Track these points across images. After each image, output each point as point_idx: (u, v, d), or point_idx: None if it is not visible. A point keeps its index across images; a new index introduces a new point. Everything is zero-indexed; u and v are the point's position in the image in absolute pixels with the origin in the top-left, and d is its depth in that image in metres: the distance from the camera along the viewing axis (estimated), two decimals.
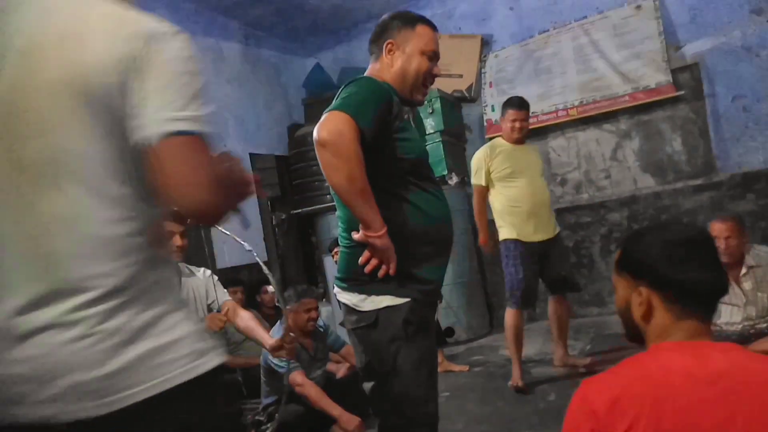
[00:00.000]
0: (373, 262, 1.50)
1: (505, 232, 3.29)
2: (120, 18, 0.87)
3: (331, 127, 1.42)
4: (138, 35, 0.85)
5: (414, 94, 1.73)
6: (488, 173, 3.32)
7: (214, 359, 0.91)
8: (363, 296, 1.56)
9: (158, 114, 0.83)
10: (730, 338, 2.68)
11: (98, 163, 0.85)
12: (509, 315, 3.30)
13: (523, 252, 3.24)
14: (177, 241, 2.57)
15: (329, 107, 1.48)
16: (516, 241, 3.24)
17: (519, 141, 3.39)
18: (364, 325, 1.55)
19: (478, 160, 3.37)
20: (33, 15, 0.87)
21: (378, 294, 1.54)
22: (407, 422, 1.54)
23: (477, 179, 3.38)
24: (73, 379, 0.82)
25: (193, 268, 2.79)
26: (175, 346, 0.87)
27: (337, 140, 1.40)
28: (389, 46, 1.69)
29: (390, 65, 1.69)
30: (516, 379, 3.26)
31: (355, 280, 1.58)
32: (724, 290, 1.03)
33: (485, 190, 3.37)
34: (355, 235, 1.50)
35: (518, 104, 3.37)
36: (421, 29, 1.70)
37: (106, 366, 0.82)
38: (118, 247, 0.86)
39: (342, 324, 1.69)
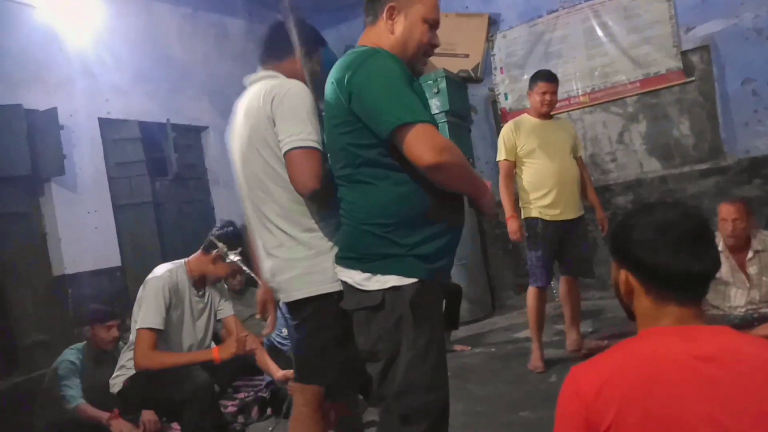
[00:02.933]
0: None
1: (528, 210, 3.23)
2: (264, 90, 1.65)
3: (429, 147, 1.36)
4: (274, 97, 1.61)
5: (414, 64, 1.60)
6: (514, 148, 3.23)
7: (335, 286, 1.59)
8: (367, 275, 1.46)
9: (286, 139, 1.57)
10: (733, 322, 2.68)
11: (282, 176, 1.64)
12: (531, 294, 3.26)
13: (547, 231, 3.18)
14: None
15: (391, 117, 1.36)
16: (539, 220, 3.19)
17: (546, 115, 3.30)
18: (369, 306, 1.46)
19: (504, 135, 3.28)
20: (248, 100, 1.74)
21: (384, 273, 1.44)
22: (411, 411, 1.45)
23: (502, 154, 3.28)
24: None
25: None
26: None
27: (445, 158, 1.37)
28: (391, 10, 1.54)
29: (390, 31, 1.55)
30: (536, 360, 3.25)
31: (358, 258, 1.48)
32: (705, 275, 0.99)
33: (511, 165, 3.27)
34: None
35: (548, 76, 3.28)
36: None
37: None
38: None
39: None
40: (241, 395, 3.24)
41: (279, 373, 2.60)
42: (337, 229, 1.60)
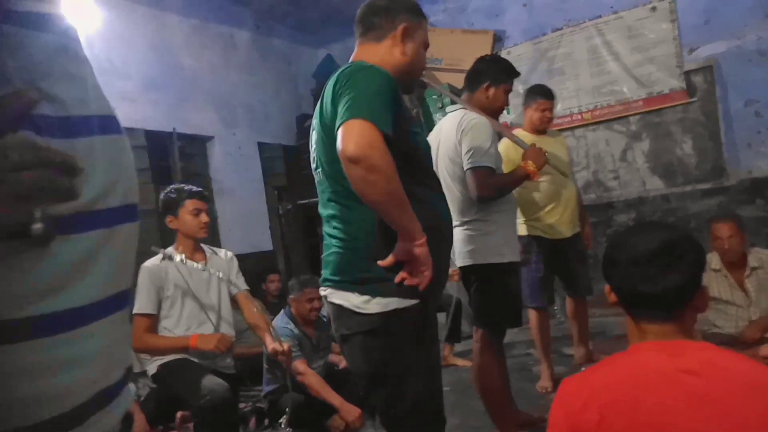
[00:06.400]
0: (403, 274, 1.36)
1: (524, 228, 3.13)
2: (456, 119, 2.26)
3: (358, 140, 1.23)
4: (463, 129, 2.21)
5: (413, 83, 1.64)
6: (514, 165, 3.17)
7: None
8: (366, 297, 1.38)
9: (467, 160, 2.16)
10: (735, 339, 2.67)
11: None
12: (533, 316, 3.22)
13: (543, 249, 3.12)
14: (204, 218, 2.60)
15: (344, 114, 1.28)
16: (535, 238, 3.12)
17: (543, 132, 3.26)
18: (368, 329, 1.40)
19: (505, 151, 3.12)
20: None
21: (385, 295, 1.37)
22: (423, 421, 1.47)
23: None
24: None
25: (215, 249, 2.80)
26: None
27: (369, 153, 1.23)
28: (406, 30, 1.54)
29: (402, 51, 1.55)
30: (545, 381, 3.19)
31: (354, 281, 1.40)
32: (664, 294, 0.99)
33: None
34: (386, 261, 1.36)
35: (549, 93, 3.22)
36: (425, 22, 1.62)
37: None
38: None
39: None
40: (240, 405, 3.24)
41: (272, 345, 2.53)
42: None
